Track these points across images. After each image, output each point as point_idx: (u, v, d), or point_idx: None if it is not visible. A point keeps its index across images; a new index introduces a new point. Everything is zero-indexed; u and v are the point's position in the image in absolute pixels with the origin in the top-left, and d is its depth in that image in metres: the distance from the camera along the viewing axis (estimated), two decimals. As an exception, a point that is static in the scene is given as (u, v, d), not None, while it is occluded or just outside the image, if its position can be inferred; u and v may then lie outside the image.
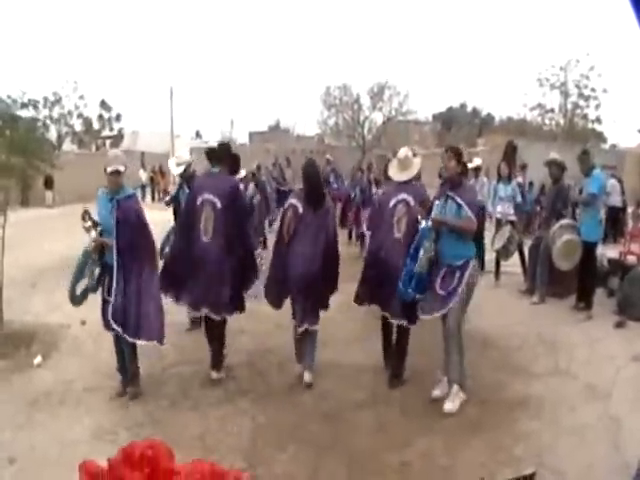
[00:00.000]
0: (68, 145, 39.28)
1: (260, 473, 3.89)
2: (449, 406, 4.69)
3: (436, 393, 4.97)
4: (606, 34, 71.73)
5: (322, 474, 3.91)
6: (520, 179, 11.77)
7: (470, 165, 8.70)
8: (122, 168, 4.94)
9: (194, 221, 5.32)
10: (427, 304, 4.93)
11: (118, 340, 5.06)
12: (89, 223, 4.92)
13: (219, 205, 5.27)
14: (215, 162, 5.58)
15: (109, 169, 4.91)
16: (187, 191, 6.46)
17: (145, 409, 4.80)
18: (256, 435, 4.42)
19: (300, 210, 5.33)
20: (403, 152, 5.50)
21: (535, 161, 12.92)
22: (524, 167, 14.39)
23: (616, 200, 14.67)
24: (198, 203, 5.30)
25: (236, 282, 5.43)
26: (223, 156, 5.62)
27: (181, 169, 6.95)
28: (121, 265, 4.86)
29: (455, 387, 4.79)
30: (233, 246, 5.35)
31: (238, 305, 5.54)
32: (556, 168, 7.90)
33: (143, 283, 4.98)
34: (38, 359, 5.89)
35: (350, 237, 13.35)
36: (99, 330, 5.37)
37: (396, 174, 5.46)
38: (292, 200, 5.47)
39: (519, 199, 9.04)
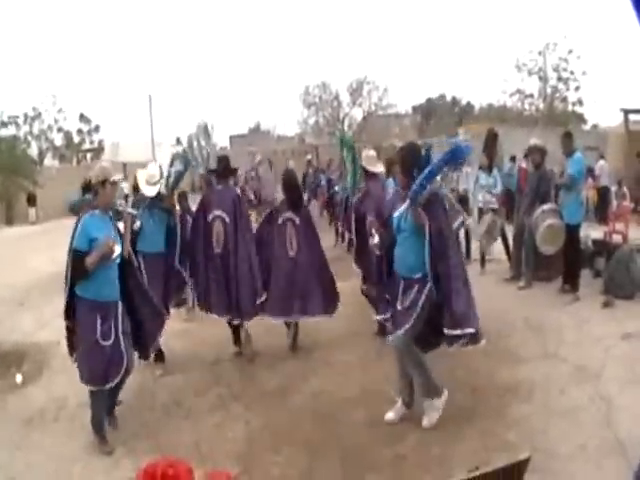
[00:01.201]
0: (49, 160, 39.09)
1: (256, 477, 3.91)
2: (426, 422, 4.36)
3: (390, 415, 4.55)
4: (583, 15, 71.73)
5: (318, 473, 3.92)
6: (524, 164, 11.76)
7: None
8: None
9: (206, 236, 5.74)
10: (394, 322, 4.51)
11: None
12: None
13: (227, 219, 5.71)
14: (218, 178, 5.99)
15: (111, 178, 4.27)
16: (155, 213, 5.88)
17: (139, 420, 4.79)
18: (251, 439, 4.43)
19: (297, 221, 5.78)
20: (366, 153, 6.52)
21: (517, 147, 12.96)
22: (527, 156, 14.40)
23: (606, 181, 14.88)
24: (209, 220, 5.74)
25: (251, 284, 5.72)
26: (224, 171, 6.00)
27: (155, 190, 5.78)
28: None
29: (427, 400, 4.40)
30: (238, 251, 5.69)
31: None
32: (537, 154, 7.95)
33: None
34: (19, 378, 5.89)
35: (339, 237, 12.00)
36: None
37: (368, 166, 6.35)
38: (287, 214, 5.84)
39: (499, 189, 9.12)
